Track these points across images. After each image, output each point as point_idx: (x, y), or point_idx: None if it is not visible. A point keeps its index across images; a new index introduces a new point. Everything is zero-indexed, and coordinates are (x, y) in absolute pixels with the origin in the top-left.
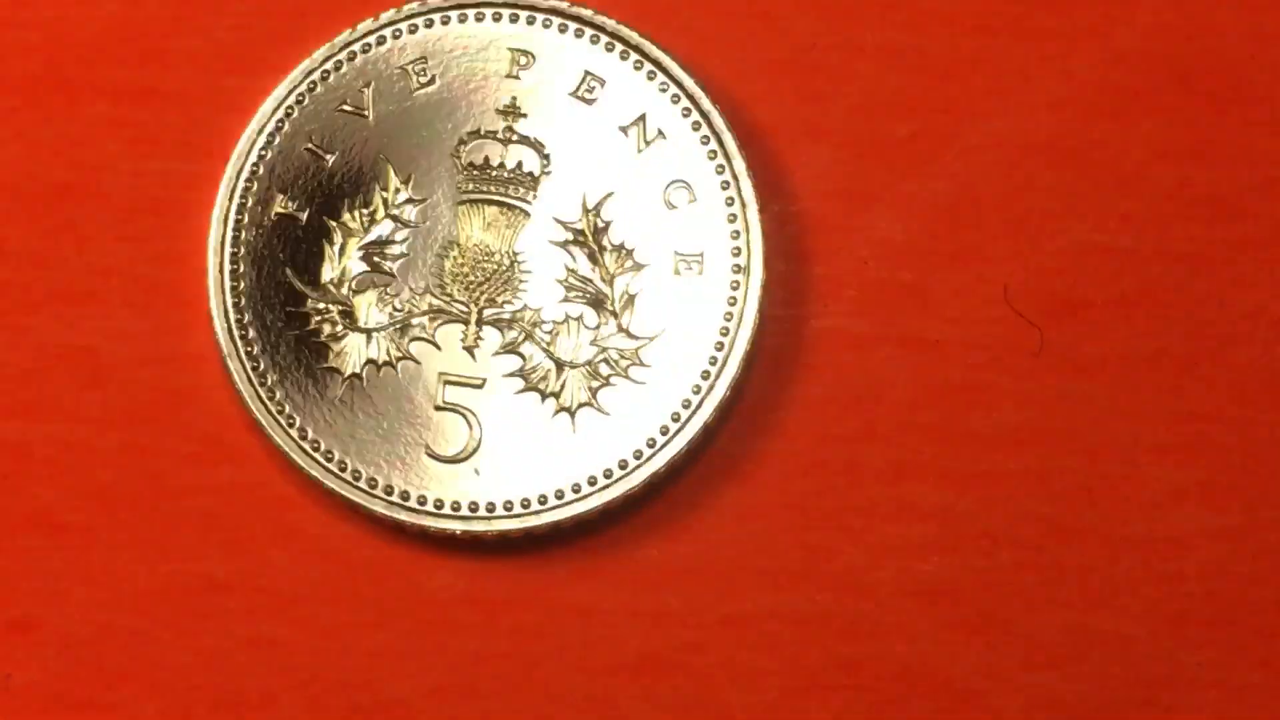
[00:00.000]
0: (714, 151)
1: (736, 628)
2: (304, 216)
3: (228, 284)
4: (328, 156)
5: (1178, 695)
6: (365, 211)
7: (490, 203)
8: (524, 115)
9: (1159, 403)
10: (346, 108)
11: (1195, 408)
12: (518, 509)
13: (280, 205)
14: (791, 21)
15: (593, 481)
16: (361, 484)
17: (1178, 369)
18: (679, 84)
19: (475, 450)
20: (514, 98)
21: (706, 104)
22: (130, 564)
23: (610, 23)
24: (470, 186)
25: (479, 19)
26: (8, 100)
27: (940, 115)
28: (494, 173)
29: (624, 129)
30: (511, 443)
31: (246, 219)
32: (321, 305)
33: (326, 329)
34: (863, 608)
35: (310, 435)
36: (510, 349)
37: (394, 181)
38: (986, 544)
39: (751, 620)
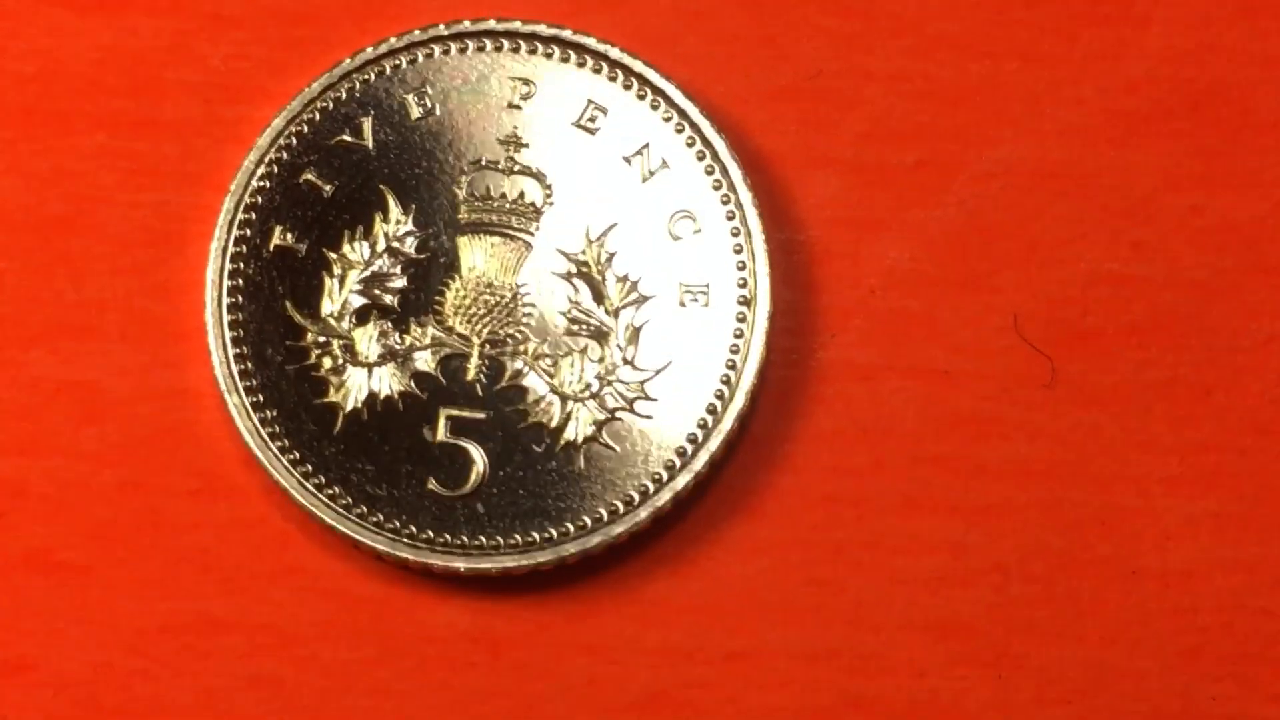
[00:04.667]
0: (719, 181)
1: (744, 664)
2: (303, 248)
3: (226, 317)
4: (327, 187)
5: None
6: (365, 243)
7: (492, 234)
8: (526, 145)
9: (1172, 433)
10: (346, 138)
11: (1209, 438)
12: (522, 545)
13: (279, 237)
14: (796, 49)
15: (598, 517)
16: (364, 520)
17: (1191, 399)
18: (683, 113)
19: (479, 485)
20: (515, 127)
21: (711, 133)
22: (128, 602)
23: (613, 51)
24: (472, 217)
25: (480, 48)
26: (2, 132)
27: (948, 142)
28: (496, 203)
29: (627, 159)
30: (516, 478)
31: (245, 251)
32: (321, 339)
33: (327, 363)
34: (872, 643)
35: (311, 471)
36: (513, 383)
37: (394, 212)
38: (998, 577)
39: (760, 656)
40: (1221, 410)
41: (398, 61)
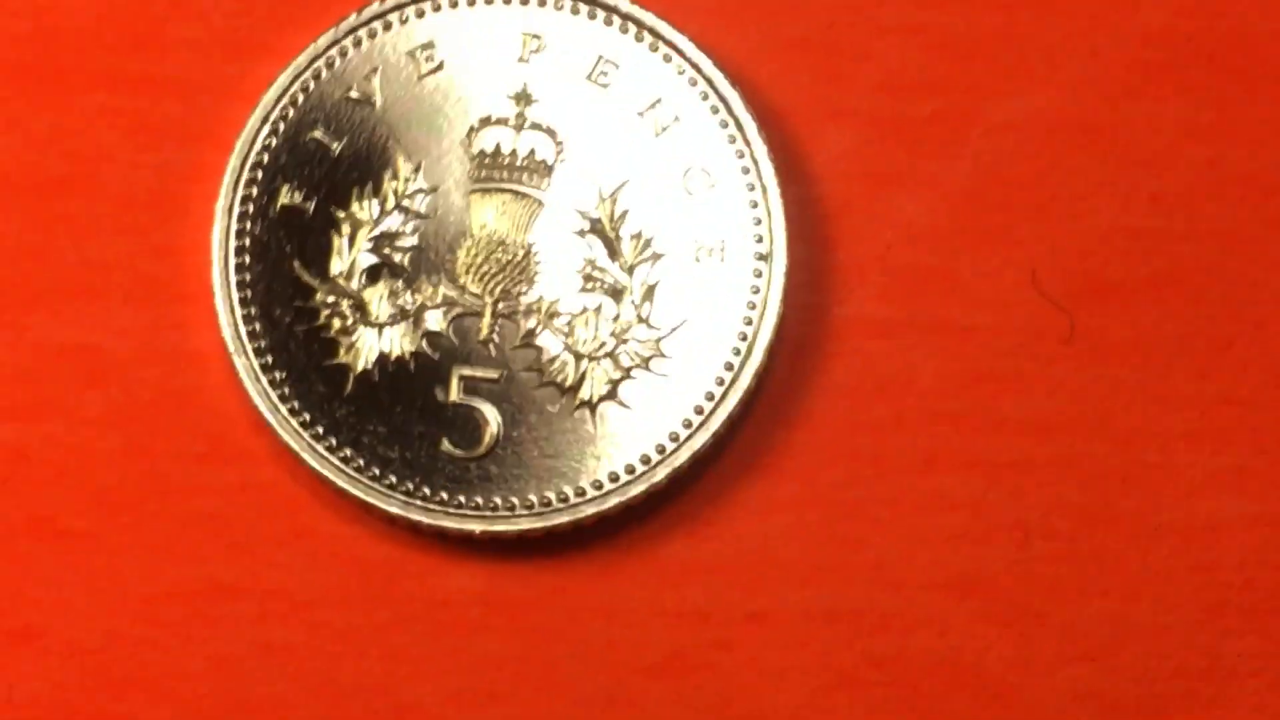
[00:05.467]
0: (733, 136)
1: (764, 624)
2: (311, 207)
3: (233, 278)
4: (334, 145)
5: (1217, 686)
6: (374, 202)
7: (503, 191)
8: (536, 101)
9: (1193, 387)
10: (353, 95)
11: (1230, 392)
12: (538, 507)
13: (286, 196)
14: (809, 0)
15: (615, 478)
16: (375, 483)
17: (1212, 352)
18: (696, 67)
19: (493, 447)
20: (525, 83)
21: (725, 87)
22: (135, 569)
23: (624, 4)
24: (482, 175)
25: (488, 2)
26: (1, 91)
27: (963, 94)
28: (506, 160)
29: (640, 114)
30: (530, 438)
31: (251, 211)
32: (331, 299)
33: (336, 323)
34: (893, 601)
35: (321, 434)
36: (527, 342)
37: (404, 170)
38: (1019, 534)
39: (779, 616)
40: (1242, 363)
41: (405, 16)
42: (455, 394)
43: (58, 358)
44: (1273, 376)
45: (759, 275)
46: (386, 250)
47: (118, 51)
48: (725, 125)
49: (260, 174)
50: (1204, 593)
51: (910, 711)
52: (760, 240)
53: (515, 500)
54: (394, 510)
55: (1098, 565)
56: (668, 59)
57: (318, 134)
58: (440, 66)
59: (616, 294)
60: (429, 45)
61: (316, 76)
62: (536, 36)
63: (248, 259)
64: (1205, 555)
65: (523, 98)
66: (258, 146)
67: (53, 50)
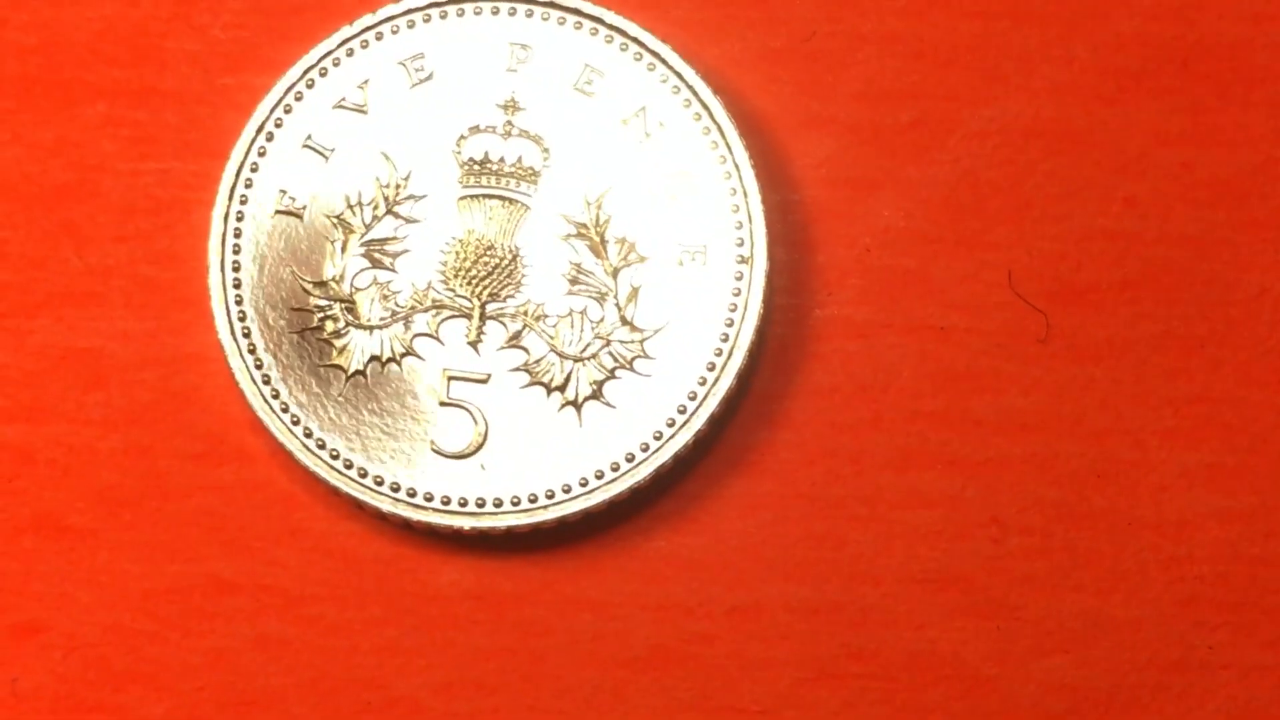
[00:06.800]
0: (715, 142)
1: (745, 618)
2: (305, 214)
3: (229, 283)
4: (327, 153)
5: (1189, 678)
6: (366, 208)
7: (491, 197)
8: (523, 109)
9: (1165, 386)
10: (345, 104)
11: (1202, 390)
12: (525, 504)
13: (280, 203)
14: (791, 10)
15: (600, 475)
16: (367, 481)
17: (1184, 352)
18: (679, 75)
19: (481, 446)
20: (513, 92)
21: (707, 94)
22: (136, 565)
23: (609, 14)
24: (471, 181)
25: (477, 13)
26: (5, 102)
27: (941, 101)
28: (494, 167)
29: (625, 121)
30: (517, 437)
31: (247, 217)
32: (324, 302)
33: (329, 326)
34: (871, 596)
35: (315, 434)
36: (514, 343)
37: (394, 177)
38: (995, 530)
39: (760, 610)
40: (1214, 362)
41: (396, 27)
42: (444, 394)
43: (60, 361)
44: (1243, 375)
45: (740, 278)
46: (378, 254)
47: (119, 64)
48: (708, 132)
49: (256, 182)
50: (1177, 586)
51: (888, 703)
52: (741, 244)
53: (503, 497)
54: (385, 508)
55: (1072, 560)
56: (652, 68)
57: (311, 142)
58: (430, 76)
59: (601, 296)
60: (419, 55)
61: (310, 86)
62: (524, 46)
63: (243, 264)
64: (1178, 549)
65: (510, 106)
66: (253, 155)
67: (56, 63)
